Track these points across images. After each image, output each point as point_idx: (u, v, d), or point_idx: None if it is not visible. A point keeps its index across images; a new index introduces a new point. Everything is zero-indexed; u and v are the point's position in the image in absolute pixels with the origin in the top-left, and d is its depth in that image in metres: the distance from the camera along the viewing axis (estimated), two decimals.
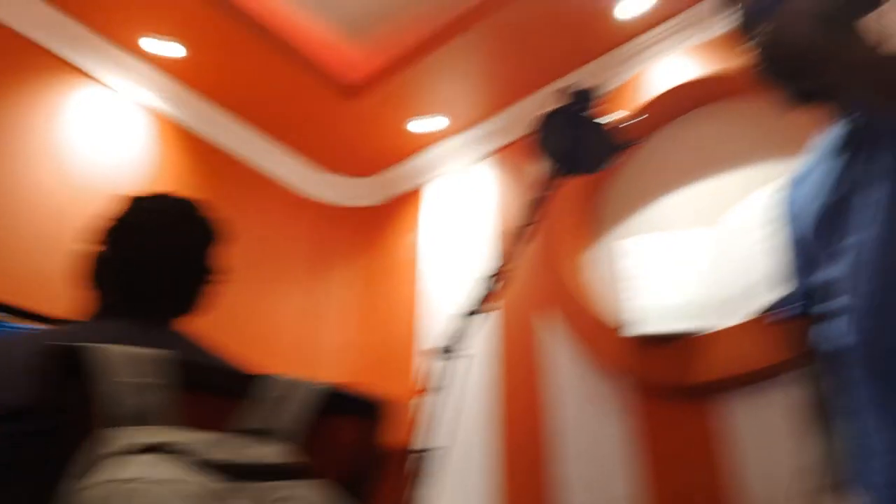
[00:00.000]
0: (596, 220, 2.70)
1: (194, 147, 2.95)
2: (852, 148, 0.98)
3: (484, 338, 2.69)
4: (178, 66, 2.81)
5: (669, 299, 2.19)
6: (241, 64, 2.81)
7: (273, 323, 3.02)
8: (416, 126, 3.17)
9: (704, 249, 2.25)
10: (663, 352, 2.13)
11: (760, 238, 2.09)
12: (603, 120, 1.19)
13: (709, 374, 2.02)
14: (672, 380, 2.12)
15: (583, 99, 1.22)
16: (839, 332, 0.92)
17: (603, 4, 2.57)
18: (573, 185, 2.57)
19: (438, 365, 1.23)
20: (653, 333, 2.12)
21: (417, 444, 1.26)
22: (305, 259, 3.30)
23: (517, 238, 1.19)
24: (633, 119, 1.32)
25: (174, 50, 2.72)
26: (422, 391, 1.23)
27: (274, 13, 2.71)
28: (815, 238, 1.04)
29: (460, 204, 3.15)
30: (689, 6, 2.57)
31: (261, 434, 0.70)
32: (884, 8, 1.05)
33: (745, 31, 1.07)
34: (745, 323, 1.99)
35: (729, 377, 2.00)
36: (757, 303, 1.98)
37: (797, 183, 1.17)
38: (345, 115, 3.07)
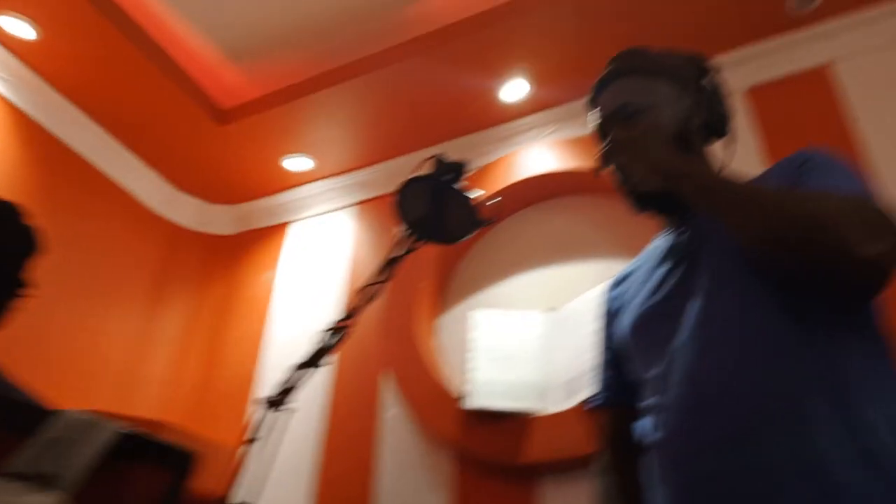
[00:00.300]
0: (449, 290, 2.75)
1: (34, 138, 2.67)
2: (676, 259, 1.06)
3: (317, 392, 2.62)
4: (27, 49, 2.56)
5: (506, 377, 2.24)
6: (103, 61, 2.60)
7: (98, 347, 2.74)
8: (289, 163, 3.11)
9: (543, 333, 2.35)
10: (494, 429, 2.16)
11: (592, 329, 2.22)
12: (465, 194, 1.22)
13: (532, 456, 2.07)
14: (499, 458, 2.14)
15: (450, 170, 1.25)
16: (648, 429, 0.97)
17: (490, 83, 2.69)
18: (433, 252, 2.62)
19: (263, 415, 1.18)
20: (487, 409, 2.16)
21: (233, 497, 1.18)
22: (148, 281, 3.05)
23: (364, 295, 1.18)
24: (492, 199, 1.36)
25: (24, 30, 2.47)
26: (247, 441, 1.17)
27: (152, 18, 2.58)
28: (631, 337, 1.10)
29: (320, 249, 3.08)
30: (566, 101, 2.76)
31: (38, 479, 0.62)
32: (730, 137, 1.18)
33: (602, 135, 1.16)
34: (570, 410, 2.07)
35: (550, 461, 2.05)
36: (583, 392, 2.08)
37: (619, 282, 1.25)
38: (213, 139, 2.94)
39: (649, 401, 0.99)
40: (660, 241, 1.17)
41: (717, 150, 1.18)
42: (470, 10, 2.56)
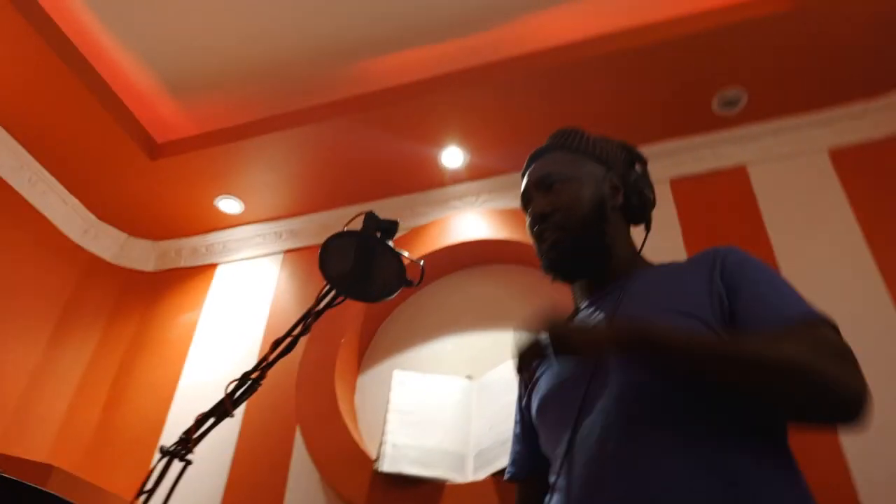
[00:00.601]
0: (371, 349, 2.72)
1: None
2: None
3: (223, 445, 2.51)
4: None
5: (422, 442, 2.21)
6: (31, 77, 2.47)
7: None
8: (221, 204, 3.05)
9: (461, 400, 2.34)
10: (406, 495, 2.10)
11: (509, 400, 2.22)
12: (392, 253, 1.23)
13: None
14: None
15: (380, 228, 1.25)
16: None
17: (426, 148, 2.75)
18: (358, 308, 2.60)
19: (161, 466, 1.11)
20: (400, 474, 2.10)
21: None
22: (55, 312, 2.85)
23: (279, 347, 1.15)
24: (418, 260, 1.37)
25: None
26: (140, 492, 1.09)
27: (91, 40, 2.51)
28: (538, 415, 1.11)
29: (244, 295, 3.00)
30: (500, 173, 2.84)
31: None
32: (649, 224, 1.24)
33: (525, 202, 1.23)
34: (484, 480, 2.05)
35: None
36: (498, 462, 2.07)
37: None
38: (143, 172, 2.86)
39: (553, 479, 0.99)
40: (578, 315, 1.19)
41: (636, 235, 1.24)
42: (412, 76, 2.64)
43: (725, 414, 0.87)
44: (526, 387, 1.21)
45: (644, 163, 1.27)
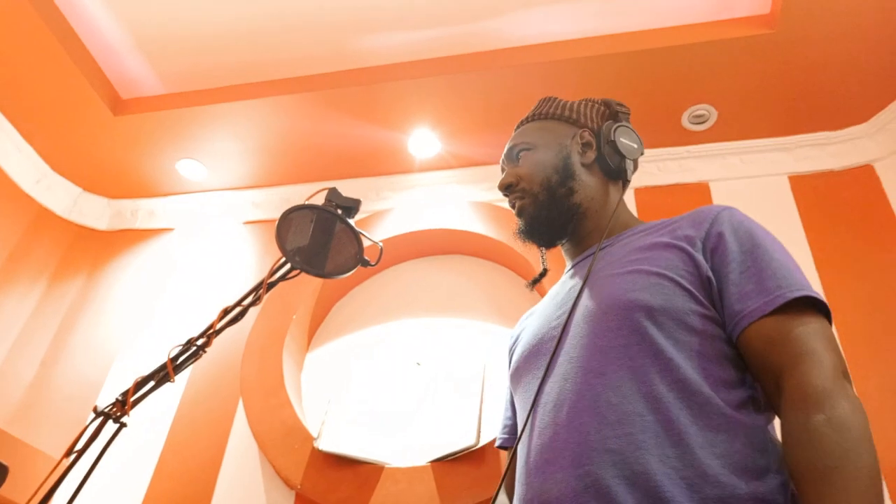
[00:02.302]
0: (323, 326, 2.70)
1: None
2: (560, 301, 1.07)
3: (163, 411, 2.46)
4: None
5: (364, 424, 2.20)
6: None
7: None
8: (182, 168, 2.98)
9: (408, 386, 2.34)
10: (343, 475, 2.09)
11: (455, 388, 2.24)
12: (352, 232, 1.21)
13: None
14: None
15: (342, 206, 1.23)
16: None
17: (399, 132, 2.73)
18: (314, 285, 2.57)
19: (94, 427, 1.08)
20: (338, 453, 2.09)
21: None
22: None
23: (228, 315, 1.13)
24: (377, 242, 1.36)
25: None
26: (70, 452, 1.06)
27: None
28: (511, 380, 1.10)
29: (200, 262, 2.94)
30: (474, 165, 2.84)
31: None
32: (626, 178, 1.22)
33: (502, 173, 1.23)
34: (422, 465, 2.06)
35: None
36: (439, 449, 2.07)
37: (526, 319, 1.25)
38: (104, 127, 2.77)
39: (517, 444, 0.98)
40: (563, 277, 1.19)
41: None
42: (386, 60, 2.61)
43: (691, 391, 0.83)
44: (511, 351, 1.22)
45: (625, 114, 1.25)
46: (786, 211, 2.47)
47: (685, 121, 2.60)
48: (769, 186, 2.56)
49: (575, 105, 1.25)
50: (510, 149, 1.23)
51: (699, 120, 2.59)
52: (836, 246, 2.34)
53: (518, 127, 1.29)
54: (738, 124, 2.60)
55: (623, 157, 1.17)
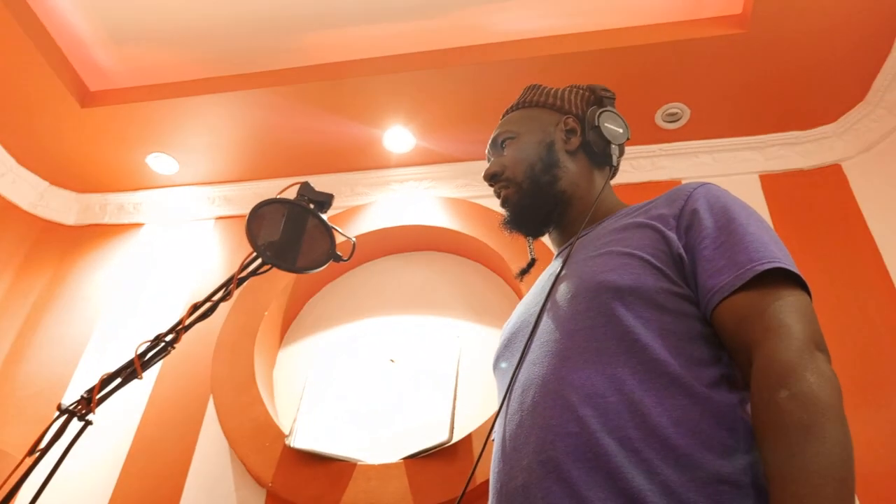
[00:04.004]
0: (296, 323, 2.67)
1: None
2: (540, 291, 1.07)
3: (130, 407, 2.42)
4: None
5: (336, 422, 2.18)
6: None
7: None
8: (152, 162, 2.92)
9: (381, 383, 2.32)
10: (314, 473, 2.07)
11: (429, 385, 2.23)
12: (324, 227, 1.20)
13: None
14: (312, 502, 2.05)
15: (313, 200, 1.22)
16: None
17: (374, 128, 2.71)
18: (286, 280, 2.55)
19: (59, 425, 1.06)
20: (309, 451, 2.07)
21: None
22: None
23: (197, 311, 1.11)
24: (350, 237, 1.35)
25: None
26: (33, 451, 1.03)
27: None
28: (494, 370, 1.10)
29: (171, 258, 2.89)
30: (448, 161, 2.83)
31: None
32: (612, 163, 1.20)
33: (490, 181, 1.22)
34: (395, 463, 2.05)
35: None
36: (412, 446, 2.06)
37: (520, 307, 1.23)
38: (71, 119, 2.70)
39: (493, 434, 0.98)
40: (548, 267, 1.18)
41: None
42: (361, 54, 2.59)
43: (658, 371, 0.82)
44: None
45: (610, 99, 1.23)
46: (756, 208, 2.49)
47: (658, 119, 2.62)
48: (740, 185, 2.59)
49: (559, 92, 1.24)
50: (495, 138, 1.23)
51: (672, 118, 2.61)
52: (804, 243, 2.38)
53: (504, 115, 1.28)
54: (710, 123, 2.62)
55: (608, 142, 1.16)
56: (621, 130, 1.18)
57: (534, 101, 1.24)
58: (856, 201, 2.44)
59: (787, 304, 0.80)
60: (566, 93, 1.24)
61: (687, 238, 0.92)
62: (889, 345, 2.11)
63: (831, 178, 2.53)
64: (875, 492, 1.85)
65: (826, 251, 2.35)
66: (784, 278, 0.83)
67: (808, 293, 0.85)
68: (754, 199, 2.53)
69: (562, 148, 1.17)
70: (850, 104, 2.52)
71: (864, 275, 2.27)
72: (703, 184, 1.01)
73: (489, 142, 1.25)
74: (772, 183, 2.57)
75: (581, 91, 1.24)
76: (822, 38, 2.28)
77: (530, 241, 1.24)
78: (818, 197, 2.50)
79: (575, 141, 1.18)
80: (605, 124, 1.16)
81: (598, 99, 1.21)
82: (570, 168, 1.16)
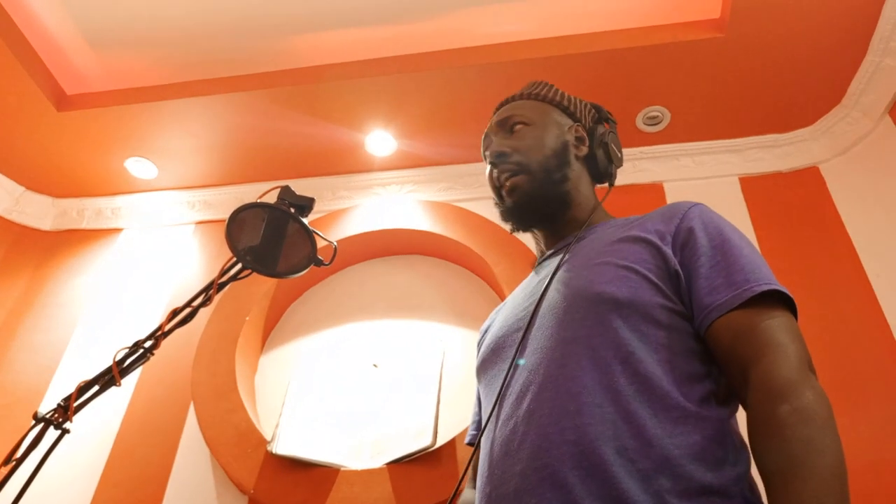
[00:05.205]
0: (277, 328, 2.65)
1: None
2: (530, 292, 1.06)
3: (109, 415, 2.38)
4: None
5: (318, 427, 2.17)
6: None
7: None
8: (131, 166, 2.89)
9: (363, 388, 2.31)
10: (297, 479, 2.05)
11: (411, 390, 2.22)
12: (305, 231, 1.19)
13: None
14: None
15: (294, 204, 1.21)
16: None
17: (355, 132, 2.70)
18: (267, 285, 2.53)
19: (35, 432, 1.04)
20: (292, 457, 2.05)
21: None
22: None
23: (176, 317, 1.10)
24: (331, 241, 1.34)
25: None
26: (8, 460, 1.01)
27: None
28: (477, 375, 1.09)
29: (150, 264, 2.85)
30: (430, 164, 2.82)
31: None
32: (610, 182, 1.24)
33: (485, 145, 1.21)
34: (378, 468, 2.03)
35: None
36: (392, 452, 2.05)
37: (498, 311, 1.23)
38: (47, 123, 2.66)
39: (482, 438, 0.97)
40: (535, 268, 1.17)
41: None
42: (342, 58, 2.58)
43: (651, 384, 0.83)
44: (479, 345, 1.20)
45: (613, 123, 1.27)
46: (736, 211, 2.53)
47: (639, 122, 2.63)
48: (720, 187, 2.61)
49: (571, 98, 1.25)
50: (505, 119, 1.20)
51: (653, 121, 2.63)
52: (783, 244, 2.40)
53: (507, 103, 1.26)
54: (690, 126, 2.65)
55: (611, 161, 1.20)
56: (620, 156, 1.23)
57: (548, 97, 1.23)
58: (833, 203, 2.47)
59: (781, 325, 0.84)
60: (577, 101, 1.25)
61: (682, 255, 0.95)
62: (865, 345, 2.13)
63: (809, 180, 2.56)
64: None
65: (804, 252, 2.38)
66: (776, 300, 0.87)
67: (796, 314, 0.89)
68: (734, 201, 2.56)
69: (572, 151, 1.18)
70: (827, 107, 2.55)
71: (841, 275, 2.30)
72: (697, 204, 1.03)
73: (494, 121, 1.23)
74: (751, 185, 2.60)
75: (588, 105, 1.26)
76: (798, 42, 2.31)
77: (537, 233, 1.21)
78: (796, 198, 2.53)
79: (583, 149, 1.20)
80: (612, 145, 1.20)
81: (603, 119, 1.26)
82: (578, 172, 1.17)
